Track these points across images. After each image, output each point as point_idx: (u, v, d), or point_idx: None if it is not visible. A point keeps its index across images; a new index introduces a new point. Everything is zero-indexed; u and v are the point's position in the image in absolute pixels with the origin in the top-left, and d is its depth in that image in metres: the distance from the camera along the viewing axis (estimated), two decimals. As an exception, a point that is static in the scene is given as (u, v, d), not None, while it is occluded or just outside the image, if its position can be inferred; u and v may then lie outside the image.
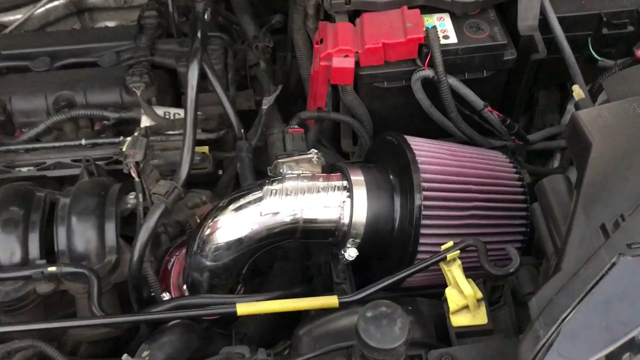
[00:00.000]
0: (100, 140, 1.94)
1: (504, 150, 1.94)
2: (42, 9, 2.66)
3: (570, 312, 1.11)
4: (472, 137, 1.96)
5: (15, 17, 2.62)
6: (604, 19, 1.96)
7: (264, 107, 2.07)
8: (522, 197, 1.69)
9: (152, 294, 1.72)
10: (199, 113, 2.00)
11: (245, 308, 1.41)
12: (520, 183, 1.71)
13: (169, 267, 1.81)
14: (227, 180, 2.12)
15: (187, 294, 1.71)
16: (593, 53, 1.98)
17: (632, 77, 1.54)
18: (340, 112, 2.00)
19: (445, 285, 1.49)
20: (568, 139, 1.47)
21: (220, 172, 2.12)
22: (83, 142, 1.93)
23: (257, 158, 2.13)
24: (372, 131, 2.00)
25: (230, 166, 2.12)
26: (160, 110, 2.00)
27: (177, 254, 1.83)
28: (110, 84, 2.03)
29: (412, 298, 1.57)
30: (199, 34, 1.85)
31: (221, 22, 2.42)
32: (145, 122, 1.98)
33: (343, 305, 1.45)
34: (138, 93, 1.96)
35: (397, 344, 1.09)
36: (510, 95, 2.05)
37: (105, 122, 1.99)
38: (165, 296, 1.71)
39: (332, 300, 1.44)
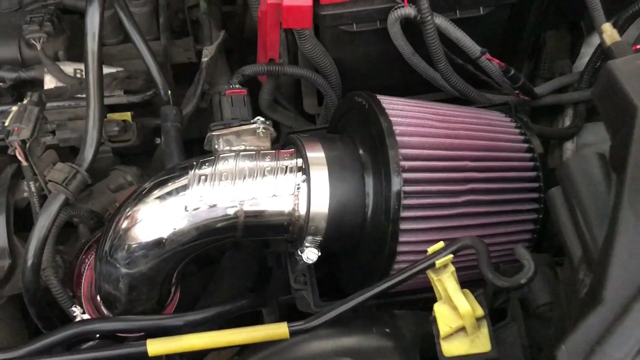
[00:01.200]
0: (-10, 110, 1.52)
1: (506, 108, 1.54)
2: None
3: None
4: (466, 93, 1.55)
5: None
6: None
7: (205, 58, 1.64)
8: (533, 173, 1.29)
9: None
10: (119, 69, 1.59)
11: (157, 346, 1.02)
12: (530, 155, 1.31)
13: (82, 270, 1.42)
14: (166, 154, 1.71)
15: (102, 307, 1.33)
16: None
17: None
18: (298, 65, 1.58)
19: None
20: (600, 98, 1.05)
21: (158, 140, 1.71)
22: (-31, 112, 1.51)
23: (202, 124, 1.72)
24: (340, 88, 1.59)
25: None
26: (69, 68, 1.57)
27: (92, 253, 1.44)
28: (6, 35, 1.59)
29: (390, 312, 1.20)
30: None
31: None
32: (49, 83, 1.55)
33: (295, 335, 1.07)
34: (38, 46, 1.52)
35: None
36: (512, 37, 1.63)
37: (1, 83, 1.56)
38: (75, 311, 1.32)
39: (280, 330, 1.05)
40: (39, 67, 1.57)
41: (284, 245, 1.58)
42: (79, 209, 1.41)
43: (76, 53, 1.62)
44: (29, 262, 1.26)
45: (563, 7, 1.68)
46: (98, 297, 1.32)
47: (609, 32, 1.17)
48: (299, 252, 1.24)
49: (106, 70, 1.57)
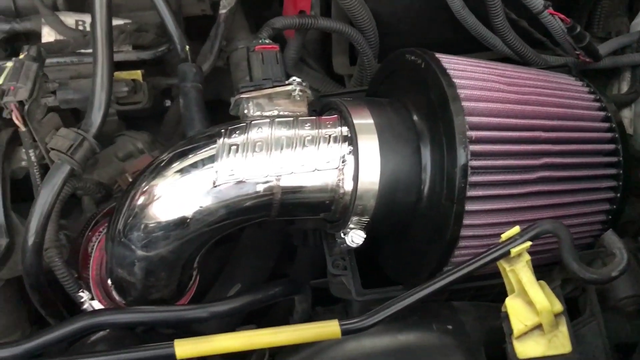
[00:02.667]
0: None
1: (565, 70, 1.36)
2: None
3: None
4: (522, 53, 1.38)
5: None
6: None
7: (223, 10, 1.44)
8: (611, 146, 1.12)
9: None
10: (127, 21, 1.39)
11: (186, 348, 0.86)
12: (607, 125, 1.14)
13: (89, 249, 1.25)
14: (176, 116, 1.53)
15: (114, 292, 1.17)
16: None
17: None
18: (332, 18, 1.39)
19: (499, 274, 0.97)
20: None
21: (168, 102, 1.52)
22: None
23: (218, 85, 1.54)
24: (378, 45, 1.41)
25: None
26: (70, 19, 1.37)
27: (100, 229, 1.27)
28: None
29: (450, 307, 1.04)
30: None
31: None
32: (48, 36, 1.35)
33: (348, 334, 0.91)
34: (34, -14, 1.32)
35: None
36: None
37: (-9, 38, 1.37)
38: (83, 297, 1.16)
39: (331, 329, 0.89)
40: (35, 18, 1.37)
41: (313, 223, 1.43)
42: (84, 180, 1.24)
43: (77, 2, 1.42)
44: (30, 242, 1.09)
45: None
46: (109, 281, 1.16)
47: None
48: (342, 234, 1.08)
49: (112, 22, 1.38)
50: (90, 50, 1.34)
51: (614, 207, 1.12)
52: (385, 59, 1.21)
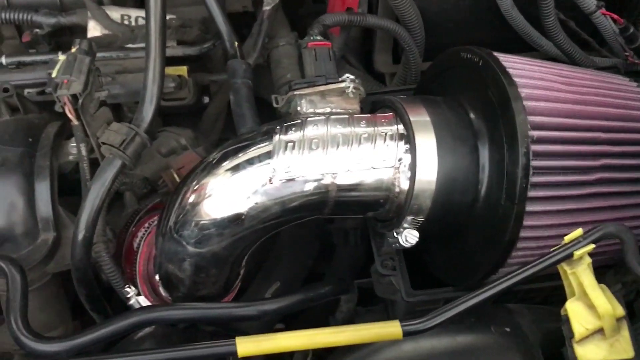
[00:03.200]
0: (28, 58, 1.33)
1: (613, 71, 1.35)
2: None
3: None
4: (572, 54, 1.36)
5: None
6: None
7: (267, 7, 1.43)
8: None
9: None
10: (171, 17, 1.38)
11: (248, 346, 0.85)
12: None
13: (135, 245, 1.25)
14: (214, 113, 1.52)
15: (161, 288, 1.16)
16: None
17: None
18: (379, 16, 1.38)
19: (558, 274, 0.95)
20: None
21: (207, 99, 1.52)
22: (3, 60, 1.32)
23: (257, 83, 1.53)
24: (424, 43, 1.39)
25: (219, 92, 1.50)
26: (116, 13, 1.37)
27: (146, 225, 1.27)
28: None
29: (506, 309, 1.03)
30: None
31: None
32: (94, 30, 1.35)
33: (410, 335, 0.90)
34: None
35: None
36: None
37: (38, 30, 1.37)
38: (129, 292, 1.16)
39: (392, 330, 0.88)
40: (81, 12, 1.37)
41: (354, 222, 1.42)
42: (130, 175, 1.23)
43: (122, -4, 1.42)
44: (80, 236, 1.08)
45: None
46: (157, 277, 1.15)
47: None
48: (395, 234, 1.06)
49: (158, 17, 1.37)
50: (136, 45, 1.35)
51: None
52: (437, 56, 1.20)
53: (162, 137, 1.41)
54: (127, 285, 1.16)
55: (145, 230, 1.25)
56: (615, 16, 1.27)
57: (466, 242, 1.09)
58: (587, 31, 1.43)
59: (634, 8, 1.45)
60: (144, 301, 1.16)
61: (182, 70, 1.36)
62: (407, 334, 0.88)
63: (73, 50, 1.12)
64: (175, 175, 1.29)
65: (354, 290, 1.25)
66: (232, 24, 1.55)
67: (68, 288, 1.24)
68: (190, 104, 1.38)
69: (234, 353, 0.85)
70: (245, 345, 0.85)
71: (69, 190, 1.24)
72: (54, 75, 1.08)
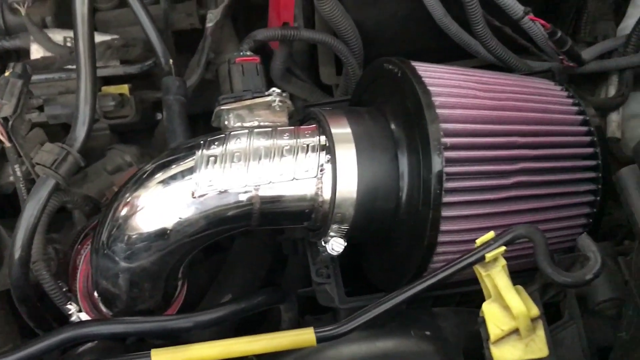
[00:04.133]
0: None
1: (548, 77, 1.37)
2: None
3: None
4: (505, 59, 1.39)
5: None
6: None
7: (210, 23, 1.47)
8: (589, 150, 1.13)
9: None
10: (114, 37, 1.42)
11: (164, 357, 0.87)
12: (585, 129, 1.14)
13: (78, 262, 1.27)
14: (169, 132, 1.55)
15: (100, 304, 1.18)
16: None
17: None
18: (315, 29, 1.41)
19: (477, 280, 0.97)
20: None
21: (159, 115, 1.54)
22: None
23: (210, 97, 1.56)
24: (362, 55, 1.42)
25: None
26: (59, 35, 1.40)
27: (89, 242, 1.29)
28: (-13, -1, 1.42)
29: (430, 313, 1.05)
30: None
31: None
32: (36, 53, 1.38)
33: (324, 341, 0.92)
34: (22, 11, 1.35)
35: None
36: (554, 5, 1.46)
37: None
38: (71, 309, 1.18)
39: (306, 337, 0.90)
40: (24, 36, 1.41)
41: (301, 232, 1.44)
42: (72, 193, 1.26)
43: (66, 19, 1.44)
44: (17, 255, 1.11)
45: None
46: (95, 293, 1.18)
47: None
48: (323, 243, 1.09)
49: (99, 37, 1.40)
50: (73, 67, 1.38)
51: (594, 210, 1.12)
52: (366, 68, 1.23)
53: (109, 155, 1.44)
54: (69, 302, 1.18)
55: (87, 248, 1.27)
56: (542, 21, 1.30)
57: (394, 248, 1.11)
58: (526, 37, 1.46)
59: (566, 15, 1.48)
60: (85, 317, 1.18)
61: (124, 88, 1.39)
62: (320, 340, 0.90)
63: (7, 73, 1.15)
64: (118, 192, 1.32)
65: (290, 299, 1.27)
66: (183, 41, 1.60)
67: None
68: (134, 120, 1.41)
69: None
70: (160, 356, 0.87)
71: (12, 210, 1.27)
72: (-15, 100, 1.11)
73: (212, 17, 1.48)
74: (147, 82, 1.51)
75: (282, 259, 1.54)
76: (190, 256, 1.12)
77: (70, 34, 1.42)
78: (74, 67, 1.36)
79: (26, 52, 1.40)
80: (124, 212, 1.07)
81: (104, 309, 1.19)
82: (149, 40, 1.32)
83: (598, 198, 1.12)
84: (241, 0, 1.73)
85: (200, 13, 1.60)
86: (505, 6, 1.29)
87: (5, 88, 1.12)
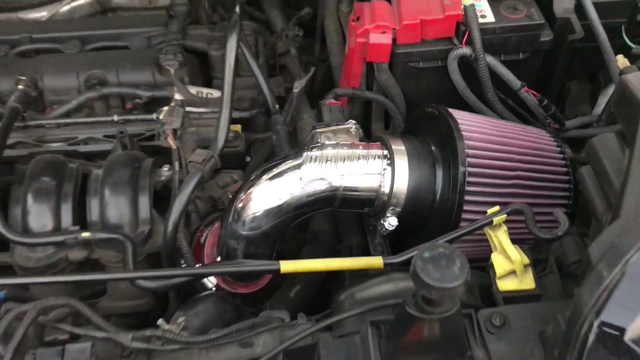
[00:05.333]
0: (132, 117, 1.92)
1: (540, 133, 1.92)
2: (67, 7, 2.68)
3: (634, 254, 1.08)
4: (507, 119, 1.94)
5: (40, 14, 2.64)
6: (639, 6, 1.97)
7: (296, 90, 2.06)
8: (565, 169, 1.66)
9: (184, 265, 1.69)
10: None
11: (288, 266, 1.37)
12: (562, 156, 1.68)
13: (202, 240, 1.77)
14: (255, 166, 2.10)
15: (220, 265, 1.68)
16: (627, 40, 1.97)
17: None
18: (373, 92, 1.99)
19: (488, 259, 1.46)
20: (616, 104, 1.44)
21: (249, 159, 2.10)
22: (115, 118, 1.91)
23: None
24: (405, 113, 1.98)
25: (259, 150, 2.09)
26: (192, 89, 1.99)
27: (209, 228, 1.80)
28: (142, 63, 2.02)
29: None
30: (237, 9, 1.84)
31: (249, 11, 2.43)
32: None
33: (388, 266, 1.41)
34: (172, 71, 1.95)
35: (457, 283, 1.05)
36: (544, 82, 2.04)
37: (137, 100, 1.97)
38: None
39: (376, 261, 1.40)
40: (168, 88, 1.98)
41: (355, 239, 1.93)
42: (203, 192, 1.78)
43: (195, 78, 2.05)
44: (172, 222, 1.61)
45: (585, 61, 2.08)
46: (218, 258, 1.67)
47: (621, 60, 1.57)
48: (382, 221, 1.59)
49: (218, 93, 1.99)
50: (207, 110, 1.95)
51: (568, 210, 1.63)
52: (413, 112, 1.79)
53: (219, 176, 1.98)
54: (197, 264, 1.68)
55: (209, 231, 1.78)
56: (534, 92, 1.87)
57: (429, 228, 1.61)
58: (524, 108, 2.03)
59: (554, 90, 2.06)
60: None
61: (237, 127, 1.95)
62: (386, 265, 1.39)
63: (172, 104, 1.72)
64: (230, 196, 1.85)
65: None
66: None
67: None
68: (242, 151, 1.96)
69: (278, 270, 1.36)
70: (285, 265, 1.37)
71: (157, 201, 1.79)
72: (161, 117, 1.67)
73: (298, 85, 2.07)
74: (247, 126, 2.07)
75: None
76: (290, 225, 1.62)
77: (200, 89, 2.02)
78: (205, 110, 1.95)
79: (169, 100, 1.98)
80: (249, 193, 1.59)
81: (222, 269, 1.68)
82: (259, 98, 1.90)
83: (570, 202, 1.63)
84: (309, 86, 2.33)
85: (285, 86, 2.21)
86: (508, 81, 1.86)
87: (173, 111, 1.68)
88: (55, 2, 2.70)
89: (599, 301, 1.06)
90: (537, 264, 1.58)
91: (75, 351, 1.28)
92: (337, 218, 1.94)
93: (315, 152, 1.58)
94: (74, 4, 2.70)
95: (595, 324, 1.04)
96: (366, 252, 1.80)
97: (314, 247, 1.99)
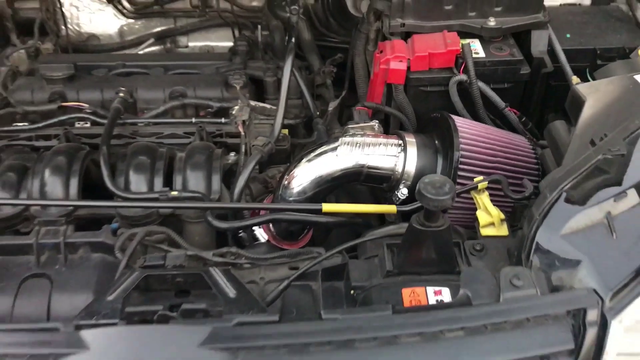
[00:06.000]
0: (206, 120, 2.50)
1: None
2: (142, 52, 3.35)
3: (570, 182, 1.60)
4: (495, 132, 2.50)
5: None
6: (598, 52, 2.56)
7: (330, 109, 2.64)
8: (535, 161, 2.20)
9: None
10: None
11: (329, 207, 1.91)
12: (533, 152, 2.23)
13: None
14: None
15: (273, 231, 2.20)
16: (591, 80, 2.55)
17: (616, 69, 2.12)
18: (391, 107, 2.57)
19: (474, 227, 1.98)
20: (569, 105, 2.00)
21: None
22: (193, 120, 2.49)
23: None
24: (415, 125, 2.55)
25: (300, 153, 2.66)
26: (252, 103, 2.58)
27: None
28: (214, 82, 2.63)
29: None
30: (292, 39, 2.47)
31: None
32: (241, 111, 2.55)
33: (400, 212, 1.95)
34: (238, 87, 2.54)
35: (447, 197, 1.58)
36: (525, 105, 2.61)
37: (209, 109, 2.55)
38: (255, 229, 2.21)
39: (392, 208, 1.94)
40: (234, 102, 2.57)
41: (376, 223, 2.45)
42: (256, 179, 2.34)
43: (252, 99, 2.65)
44: (237, 190, 2.15)
45: (559, 97, 2.65)
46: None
47: (575, 80, 2.15)
48: (396, 192, 2.13)
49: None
50: (262, 116, 2.53)
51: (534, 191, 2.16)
52: (421, 121, 2.36)
53: (269, 169, 2.53)
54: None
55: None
56: (515, 110, 2.44)
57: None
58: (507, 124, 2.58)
59: (533, 109, 2.63)
60: (261, 232, 2.21)
61: (285, 131, 2.52)
62: (398, 211, 1.92)
63: (241, 104, 2.31)
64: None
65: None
66: (308, 124, 2.77)
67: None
68: (287, 150, 2.51)
69: (320, 210, 1.89)
70: (327, 206, 1.90)
71: (224, 179, 2.33)
72: (234, 112, 2.25)
73: (332, 105, 2.66)
74: (293, 132, 2.64)
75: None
76: (327, 195, 2.16)
77: (257, 103, 2.61)
78: (262, 117, 2.53)
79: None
80: (300, 166, 2.14)
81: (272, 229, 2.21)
82: (302, 109, 2.49)
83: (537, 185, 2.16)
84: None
85: (321, 109, 2.80)
86: (496, 102, 2.43)
87: (242, 109, 2.26)
88: (133, 47, 3.38)
89: (543, 211, 1.58)
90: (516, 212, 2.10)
91: (173, 256, 1.80)
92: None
93: (348, 139, 2.14)
94: (147, 50, 3.38)
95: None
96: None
97: (338, 231, 2.51)
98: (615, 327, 1.45)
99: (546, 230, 1.57)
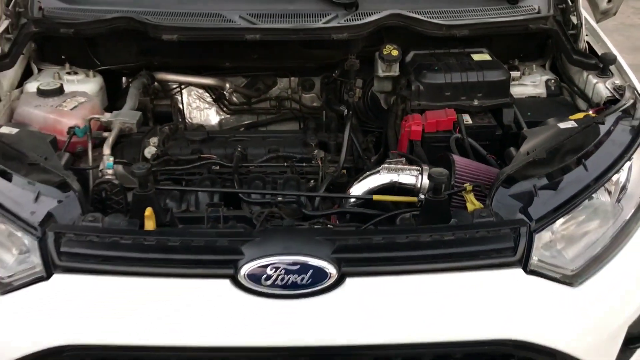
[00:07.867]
0: (293, 165, 3.86)
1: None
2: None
3: (512, 169, 2.92)
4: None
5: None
6: (548, 123, 3.93)
7: (372, 159, 4.00)
8: (504, 181, 3.51)
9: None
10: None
11: (377, 197, 3.22)
12: (502, 176, 3.54)
13: (327, 217, 3.61)
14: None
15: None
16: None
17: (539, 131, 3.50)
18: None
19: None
20: (519, 142, 3.35)
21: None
22: (285, 164, 3.86)
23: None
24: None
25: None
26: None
27: (331, 213, 3.64)
28: (296, 141, 4.01)
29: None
30: (350, 112, 3.89)
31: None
32: (314, 159, 3.92)
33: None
34: (313, 145, 3.93)
35: (444, 178, 2.90)
36: (498, 154, 3.93)
37: (294, 159, 3.91)
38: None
39: (413, 198, 3.24)
40: (310, 154, 3.94)
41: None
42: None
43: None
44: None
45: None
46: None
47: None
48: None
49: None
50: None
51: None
52: (432, 162, 3.71)
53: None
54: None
55: (331, 212, 3.62)
56: (493, 156, 3.77)
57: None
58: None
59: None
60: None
61: (344, 171, 3.86)
62: (418, 201, 3.22)
63: (316, 151, 3.68)
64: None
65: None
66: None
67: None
68: (345, 183, 3.83)
69: (371, 199, 3.19)
70: (376, 197, 3.20)
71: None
72: (315, 154, 3.62)
73: (374, 158, 4.01)
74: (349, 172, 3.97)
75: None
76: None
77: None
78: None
79: (310, 159, 3.92)
80: (357, 184, 3.46)
81: (339, 224, 3.49)
82: (360, 155, 3.87)
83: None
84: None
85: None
86: (480, 152, 3.76)
87: (319, 153, 3.63)
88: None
89: (498, 183, 2.90)
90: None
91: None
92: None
93: (386, 166, 3.48)
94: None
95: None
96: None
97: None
98: (536, 241, 2.72)
99: (500, 192, 2.87)
